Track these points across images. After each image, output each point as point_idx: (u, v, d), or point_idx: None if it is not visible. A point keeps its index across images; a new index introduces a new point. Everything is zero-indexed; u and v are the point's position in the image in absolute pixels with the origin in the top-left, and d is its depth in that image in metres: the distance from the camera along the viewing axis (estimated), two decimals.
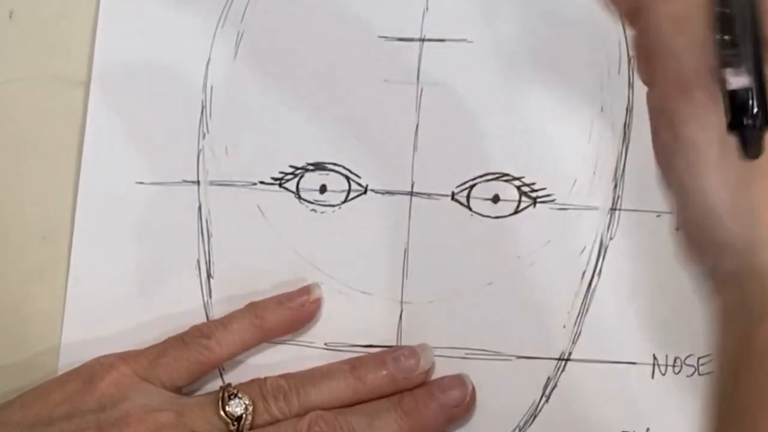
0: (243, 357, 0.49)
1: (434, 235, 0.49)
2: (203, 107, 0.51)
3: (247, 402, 0.45)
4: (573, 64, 0.49)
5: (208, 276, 0.50)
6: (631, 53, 0.40)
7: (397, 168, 0.49)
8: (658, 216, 0.48)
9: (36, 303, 0.50)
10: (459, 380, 0.47)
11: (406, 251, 0.49)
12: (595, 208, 0.48)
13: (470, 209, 0.49)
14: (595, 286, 0.48)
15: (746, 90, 0.31)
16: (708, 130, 0.34)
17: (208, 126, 0.51)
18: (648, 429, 0.47)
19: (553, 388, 0.47)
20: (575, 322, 0.48)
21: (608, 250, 0.48)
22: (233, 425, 0.45)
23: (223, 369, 0.49)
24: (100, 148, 0.51)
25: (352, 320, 0.49)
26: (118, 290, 0.50)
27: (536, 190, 0.49)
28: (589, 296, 0.48)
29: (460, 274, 0.49)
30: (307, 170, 0.50)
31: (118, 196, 0.50)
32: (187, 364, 0.46)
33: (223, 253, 0.50)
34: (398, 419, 0.45)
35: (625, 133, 0.49)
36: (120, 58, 0.51)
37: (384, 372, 0.46)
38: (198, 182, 0.50)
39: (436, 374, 0.47)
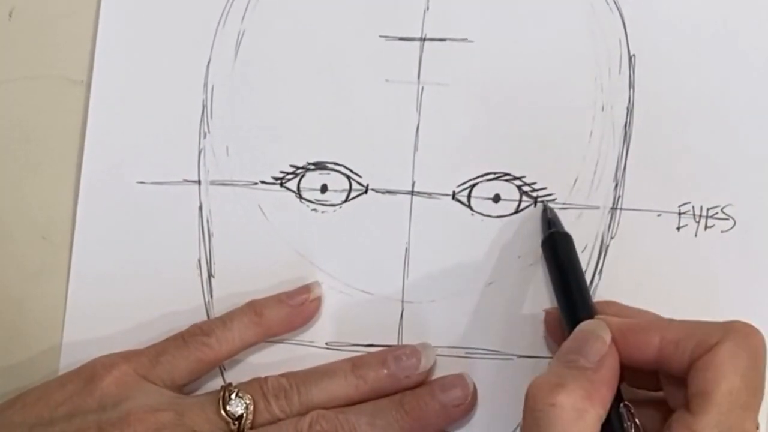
0: (244, 356, 0.49)
1: (435, 234, 0.49)
2: (204, 107, 0.51)
3: (247, 401, 0.45)
4: (574, 64, 0.49)
5: (209, 275, 0.50)
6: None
7: (398, 167, 0.49)
8: (659, 215, 0.48)
9: (37, 303, 0.50)
10: (460, 380, 0.47)
11: (407, 251, 0.49)
12: (596, 208, 0.48)
13: (471, 209, 0.49)
14: (596, 285, 0.48)
15: None
16: None
17: (209, 126, 0.51)
18: None
19: None
20: None
21: (609, 250, 0.48)
22: (234, 424, 0.45)
23: (224, 368, 0.49)
24: (101, 147, 0.51)
25: (353, 319, 0.49)
26: (119, 290, 0.50)
27: (537, 190, 0.49)
28: None
29: (460, 274, 0.49)
30: (308, 170, 0.50)
31: (119, 195, 0.50)
32: (188, 363, 0.46)
33: (224, 252, 0.50)
34: (399, 418, 0.45)
35: (625, 133, 0.49)
36: (121, 58, 0.51)
37: (385, 371, 0.46)
38: (199, 182, 0.50)
39: (438, 373, 0.47)
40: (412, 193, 0.49)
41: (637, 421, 0.40)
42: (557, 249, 0.46)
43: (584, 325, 0.42)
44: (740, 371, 0.38)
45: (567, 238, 0.46)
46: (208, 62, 0.51)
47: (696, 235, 0.48)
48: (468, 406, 0.47)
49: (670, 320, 0.41)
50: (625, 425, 0.40)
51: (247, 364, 0.49)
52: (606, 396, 0.39)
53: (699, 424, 0.38)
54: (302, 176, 0.50)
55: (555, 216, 0.47)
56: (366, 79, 0.50)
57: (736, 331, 0.39)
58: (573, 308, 0.44)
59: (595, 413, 0.38)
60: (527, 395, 0.39)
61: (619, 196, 0.48)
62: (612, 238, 0.48)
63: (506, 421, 0.47)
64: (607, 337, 0.41)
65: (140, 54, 0.51)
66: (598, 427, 0.38)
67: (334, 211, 0.50)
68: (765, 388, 0.39)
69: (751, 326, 0.39)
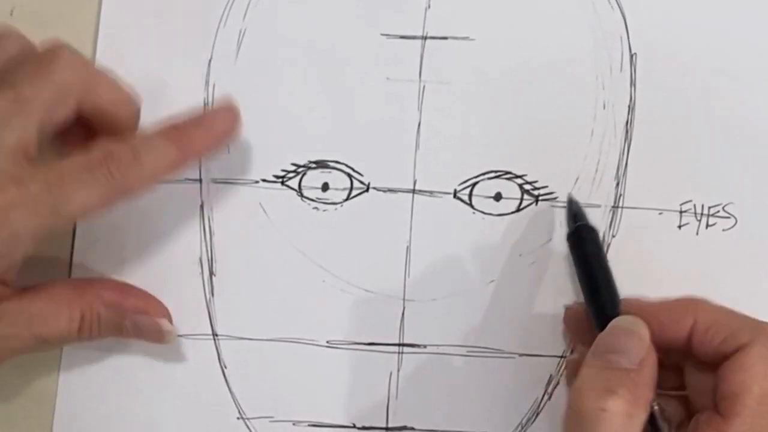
0: (243, 356, 0.49)
1: (436, 233, 0.49)
2: (205, 105, 0.51)
3: None
4: (575, 62, 0.49)
5: (211, 274, 0.50)
6: None
7: (400, 166, 0.49)
8: (660, 213, 0.48)
9: None
10: (230, 108, 0.47)
11: (408, 249, 0.49)
12: (598, 206, 0.48)
13: (472, 207, 0.49)
14: None
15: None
16: None
17: None
18: None
19: (555, 386, 0.47)
20: None
21: (610, 248, 0.48)
22: None
23: (225, 366, 0.49)
24: None
25: (354, 318, 0.49)
26: None
27: (538, 188, 0.49)
28: None
29: (462, 272, 0.49)
30: (310, 168, 0.50)
31: None
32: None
33: (225, 250, 0.50)
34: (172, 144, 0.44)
35: (627, 131, 0.49)
36: (122, 57, 0.51)
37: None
38: (200, 180, 0.50)
39: (438, 374, 0.48)
40: (413, 191, 0.49)
41: (670, 421, 0.40)
42: (584, 243, 0.45)
43: (620, 321, 0.42)
44: None
45: (593, 232, 0.45)
46: (210, 60, 0.51)
47: (697, 234, 0.48)
48: (234, 130, 0.47)
49: (704, 301, 0.42)
50: (659, 425, 0.40)
51: (248, 363, 0.49)
52: (648, 398, 0.40)
53: (729, 426, 0.38)
54: (303, 174, 0.50)
55: (580, 209, 0.46)
56: (367, 78, 0.50)
57: (767, 332, 0.39)
58: (601, 303, 0.44)
59: (641, 417, 0.39)
60: (573, 397, 0.39)
61: (620, 195, 0.48)
62: (613, 236, 0.48)
63: (508, 419, 0.47)
64: (646, 335, 0.41)
65: (141, 52, 0.51)
66: (641, 429, 0.39)
67: (336, 209, 0.50)
68: None
69: None
